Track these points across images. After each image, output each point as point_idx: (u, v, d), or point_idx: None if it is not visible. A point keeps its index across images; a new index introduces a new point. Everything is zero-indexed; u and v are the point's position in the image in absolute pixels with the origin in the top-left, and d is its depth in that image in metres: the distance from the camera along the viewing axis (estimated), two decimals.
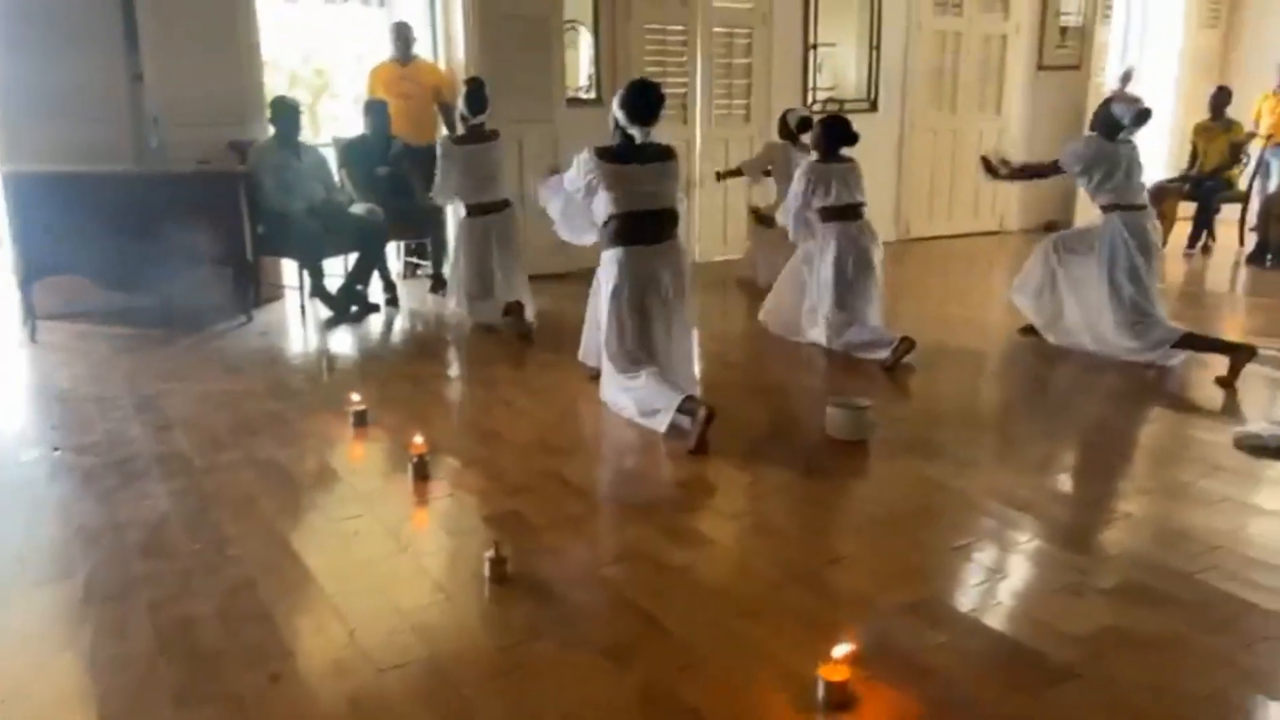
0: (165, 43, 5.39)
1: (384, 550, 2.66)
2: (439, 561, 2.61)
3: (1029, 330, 4.99)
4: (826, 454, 3.41)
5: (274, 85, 10.84)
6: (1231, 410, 3.91)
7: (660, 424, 3.52)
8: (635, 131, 3.69)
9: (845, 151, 4.80)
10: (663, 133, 7.09)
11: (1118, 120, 4.55)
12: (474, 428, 3.71)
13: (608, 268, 3.79)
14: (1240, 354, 4.19)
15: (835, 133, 4.77)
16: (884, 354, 4.47)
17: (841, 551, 2.70)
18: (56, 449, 3.43)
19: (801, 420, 3.86)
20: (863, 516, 2.97)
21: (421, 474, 3.11)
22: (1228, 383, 4.14)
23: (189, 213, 5.10)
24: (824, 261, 4.75)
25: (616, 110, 3.73)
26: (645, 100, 3.68)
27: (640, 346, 3.72)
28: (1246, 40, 9.53)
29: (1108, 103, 4.70)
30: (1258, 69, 8.96)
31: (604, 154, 3.71)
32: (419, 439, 3.15)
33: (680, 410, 3.45)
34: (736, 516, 2.90)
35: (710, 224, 7.43)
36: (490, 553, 2.44)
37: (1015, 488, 3.12)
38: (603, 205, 3.74)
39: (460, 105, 5.23)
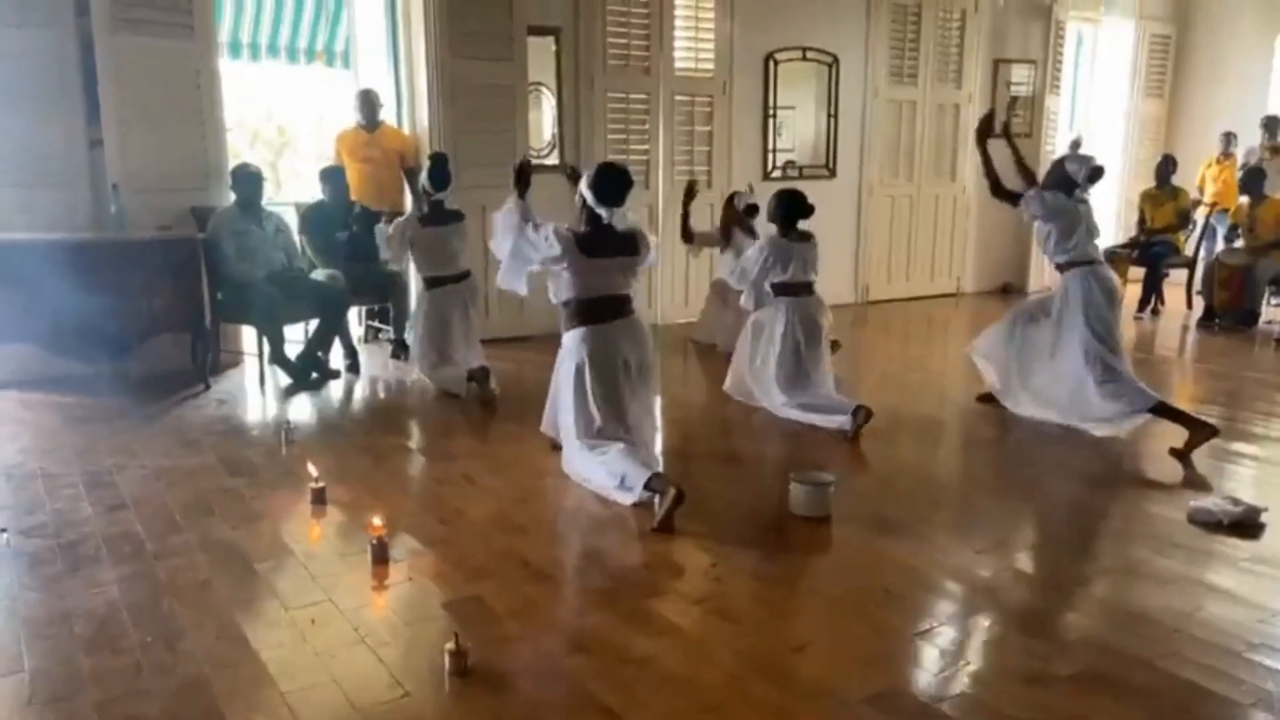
0: (126, 109, 5.36)
1: (342, 640, 2.60)
2: (397, 653, 2.56)
3: (987, 398, 5.06)
4: (789, 531, 3.41)
5: (236, 143, 10.87)
6: (1184, 483, 3.98)
7: (629, 497, 3.52)
8: (603, 212, 3.72)
9: (803, 225, 4.88)
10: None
11: (1071, 178, 4.65)
12: (434, 505, 3.67)
13: (571, 347, 3.81)
14: (1202, 432, 4.23)
15: (793, 207, 4.85)
16: (838, 420, 4.51)
17: (805, 638, 2.68)
18: (3, 530, 3.33)
19: (764, 495, 3.85)
20: (826, 599, 2.96)
21: (381, 557, 3.07)
22: (1182, 456, 4.22)
23: (147, 279, 5.06)
24: (774, 331, 4.82)
25: (585, 190, 3.75)
26: (615, 184, 3.71)
27: (608, 421, 3.73)
28: (1189, 109, 9.88)
29: (1061, 162, 4.80)
30: (1200, 137, 9.32)
31: (580, 242, 3.71)
32: (377, 520, 3.11)
33: (647, 487, 3.45)
34: (700, 601, 2.88)
35: (671, 286, 7.49)
36: (450, 644, 2.41)
37: (976, 567, 3.14)
38: (564, 287, 3.78)
39: (423, 179, 5.27)
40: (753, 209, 6.27)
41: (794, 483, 3.54)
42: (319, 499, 3.57)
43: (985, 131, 4.98)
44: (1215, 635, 2.65)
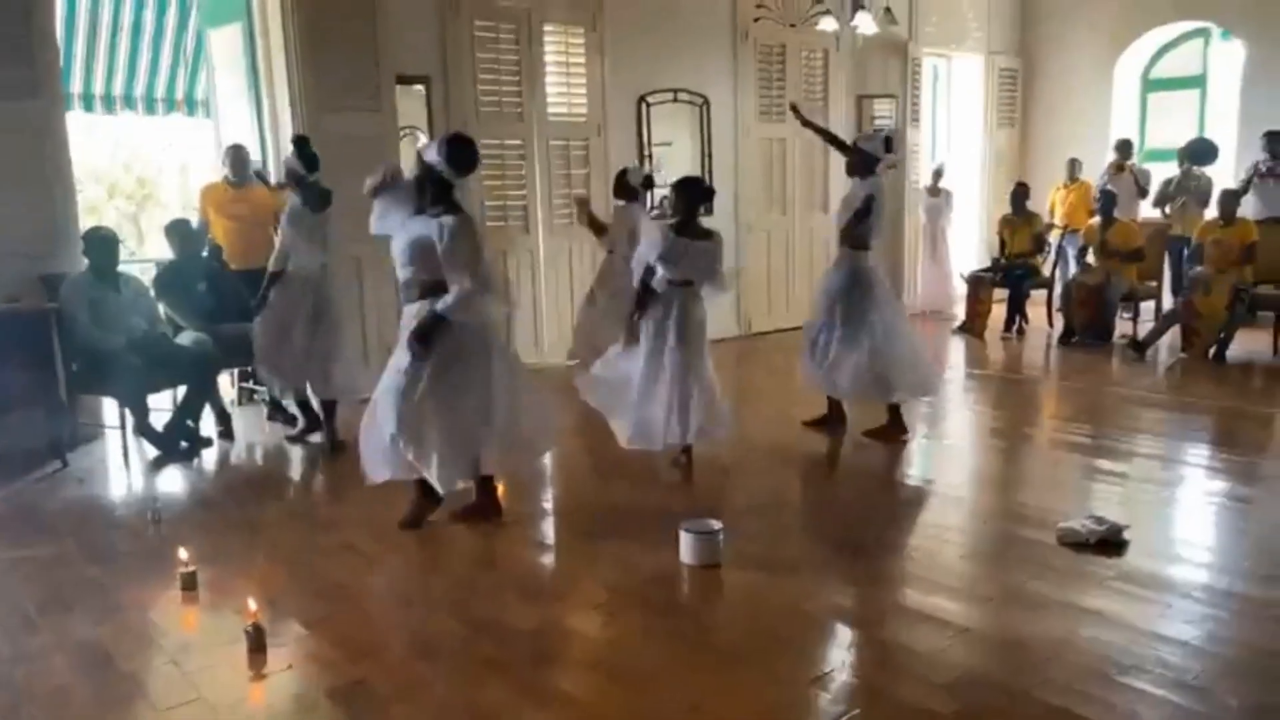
0: None
1: None
2: None
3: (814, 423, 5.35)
4: (681, 582, 3.41)
5: (93, 197, 10.38)
6: (1019, 504, 4.15)
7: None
8: (456, 180, 3.72)
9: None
10: (509, 242, 7.19)
11: (873, 155, 5.01)
12: (315, 581, 3.52)
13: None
14: (836, 426, 5.20)
15: (696, 194, 4.65)
16: (675, 436, 4.51)
17: (699, 696, 2.66)
18: None
19: (654, 545, 3.79)
20: (719, 652, 2.95)
21: (257, 644, 2.91)
22: (871, 436, 5.09)
23: None
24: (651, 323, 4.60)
25: (435, 158, 3.67)
26: (470, 152, 3.74)
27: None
28: (1038, 138, 10.46)
29: (855, 147, 5.18)
30: (1050, 163, 9.86)
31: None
32: (252, 603, 2.97)
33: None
34: (593, 665, 2.84)
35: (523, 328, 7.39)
36: None
37: (861, 605, 3.20)
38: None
39: (294, 163, 5.18)
40: (649, 180, 6.37)
41: (684, 532, 3.54)
42: (190, 584, 3.38)
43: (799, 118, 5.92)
44: (1088, 659, 2.76)
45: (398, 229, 3.77)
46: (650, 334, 4.55)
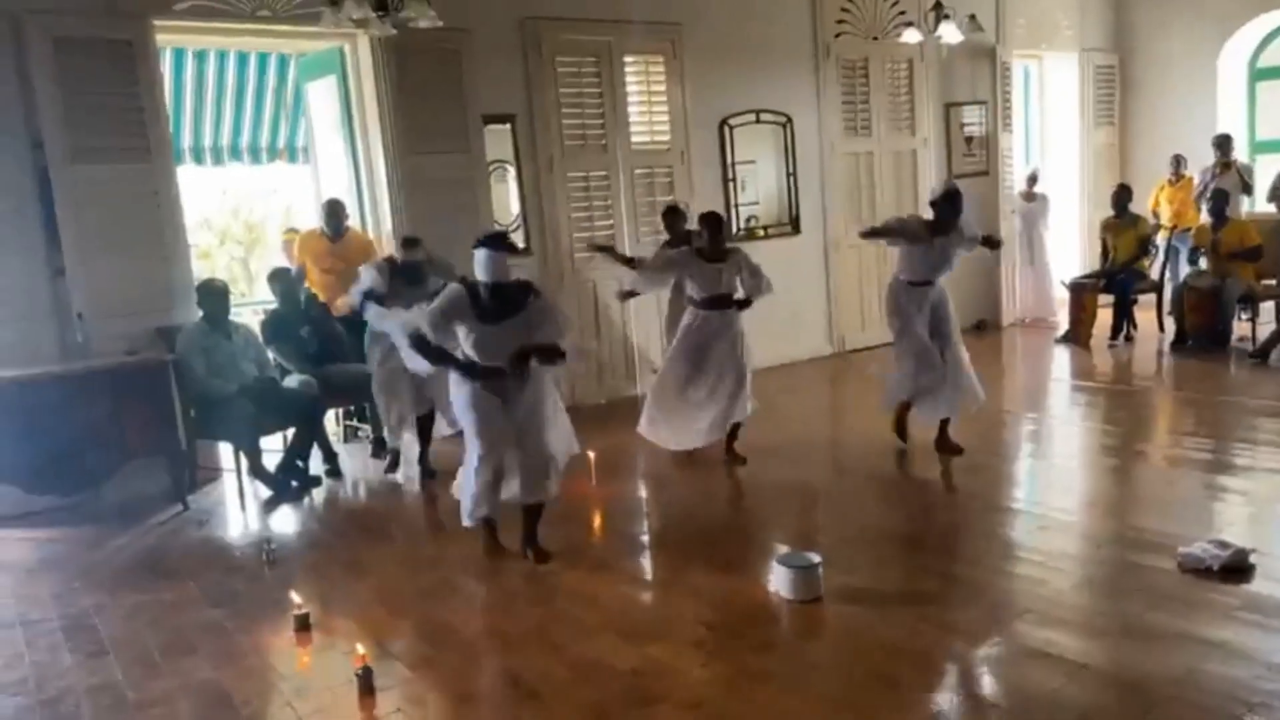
0: (86, 236, 5.35)
1: None
2: None
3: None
4: (779, 618, 3.38)
5: (205, 243, 10.91)
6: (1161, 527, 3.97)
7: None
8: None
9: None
10: (598, 272, 7.19)
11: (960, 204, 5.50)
12: (420, 622, 3.59)
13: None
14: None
15: (715, 225, 5.31)
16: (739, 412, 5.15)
17: None
18: None
19: (751, 578, 3.78)
20: (823, 696, 2.87)
21: (367, 687, 3.00)
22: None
23: (117, 406, 5.02)
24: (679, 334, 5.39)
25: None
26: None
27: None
28: (1140, 135, 10.06)
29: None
30: (1153, 161, 9.46)
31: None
32: (361, 648, 3.06)
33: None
34: (693, 707, 2.83)
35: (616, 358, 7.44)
36: None
37: (971, 642, 3.11)
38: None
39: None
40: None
41: (780, 565, 3.50)
42: (303, 625, 3.50)
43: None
44: (1213, 697, 2.63)
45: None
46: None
